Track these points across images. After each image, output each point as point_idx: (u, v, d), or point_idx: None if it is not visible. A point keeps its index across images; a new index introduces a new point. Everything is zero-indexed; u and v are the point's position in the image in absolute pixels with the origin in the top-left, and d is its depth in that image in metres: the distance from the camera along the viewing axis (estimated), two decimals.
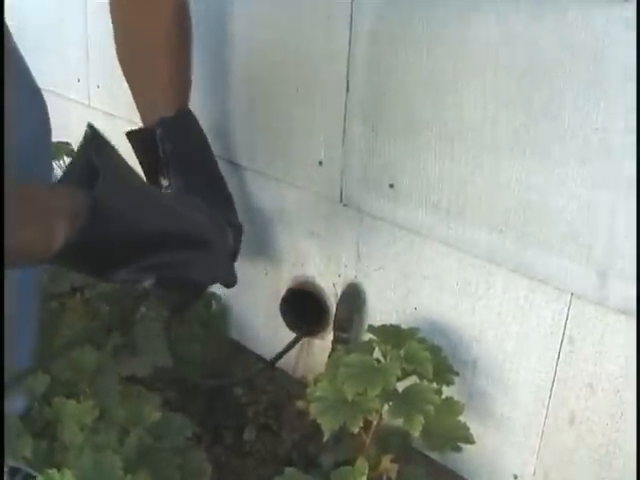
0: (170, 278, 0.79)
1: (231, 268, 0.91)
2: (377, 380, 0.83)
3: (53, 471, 0.83)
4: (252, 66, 1.09)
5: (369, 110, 0.96)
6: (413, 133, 0.91)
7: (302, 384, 1.07)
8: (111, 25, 0.96)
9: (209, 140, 1.00)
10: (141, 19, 0.94)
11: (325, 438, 0.84)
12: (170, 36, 0.95)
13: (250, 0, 1.06)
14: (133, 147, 0.96)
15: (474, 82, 0.84)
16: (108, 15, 0.96)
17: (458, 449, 0.86)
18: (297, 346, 1.16)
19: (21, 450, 0.91)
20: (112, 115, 1.36)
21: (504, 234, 0.87)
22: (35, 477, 0.88)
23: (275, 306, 1.16)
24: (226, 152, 1.14)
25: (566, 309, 0.85)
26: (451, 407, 0.87)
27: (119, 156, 0.71)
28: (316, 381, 0.89)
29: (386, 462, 0.87)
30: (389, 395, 0.84)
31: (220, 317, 1.27)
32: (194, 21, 0.97)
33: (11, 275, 0.74)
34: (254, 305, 1.23)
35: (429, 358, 0.86)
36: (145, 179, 0.95)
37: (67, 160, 1.33)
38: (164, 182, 0.96)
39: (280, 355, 1.17)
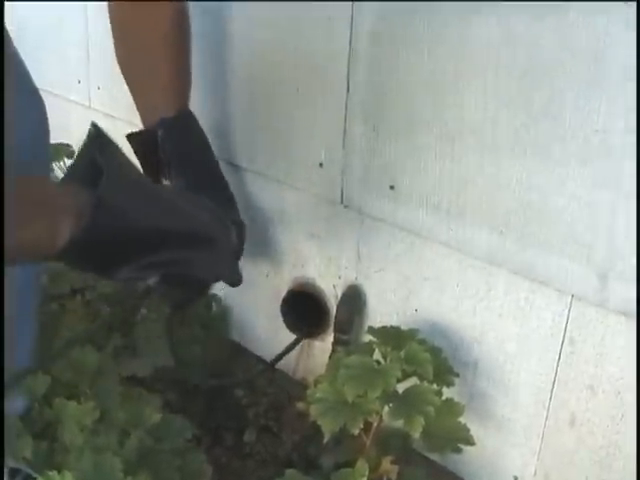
0: (174, 275, 0.79)
1: (235, 267, 0.91)
2: (377, 382, 0.83)
3: (53, 473, 0.83)
4: (252, 66, 1.09)
5: (370, 110, 0.95)
6: (414, 133, 0.91)
7: (302, 386, 1.07)
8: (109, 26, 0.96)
9: (209, 141, 1.00)
10: (140, 20, 0.94)
11: (325, 440, 0.84)
12: (169, 37, 0.95)
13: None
14: (134, 149, 0.96)
15: (475, 82, 0.84)
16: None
17: (458, 450, 0.86)
18: (297, 348, 1.16)
19: (21, 451, 0.91)
20: (112, 117, 1.36)
21: (504, 235, 0.86)
22: (35, 478, 0.88)
23: (275, 307, 1.15)
24: (226, 153, 1.14)
25: (567, 311, 0.85)
26: (451, 408, 0.87)
27: (123, 155, 0.71)
28: (316, 383, 0.89)
29: (386, 463, 0.87)
30: (389, 396, 0.84)
31: (220, 319, 1.27)
32: (193, 21, 0.97)
33: (11, 275, 0.74)
34: (254, 307, 1.22)
35: (429, 359, 0.85)
36: None
37: (67, 162, 1.33)
38: (165, 183, 0.97)
39: (280, 356, 1.17)
